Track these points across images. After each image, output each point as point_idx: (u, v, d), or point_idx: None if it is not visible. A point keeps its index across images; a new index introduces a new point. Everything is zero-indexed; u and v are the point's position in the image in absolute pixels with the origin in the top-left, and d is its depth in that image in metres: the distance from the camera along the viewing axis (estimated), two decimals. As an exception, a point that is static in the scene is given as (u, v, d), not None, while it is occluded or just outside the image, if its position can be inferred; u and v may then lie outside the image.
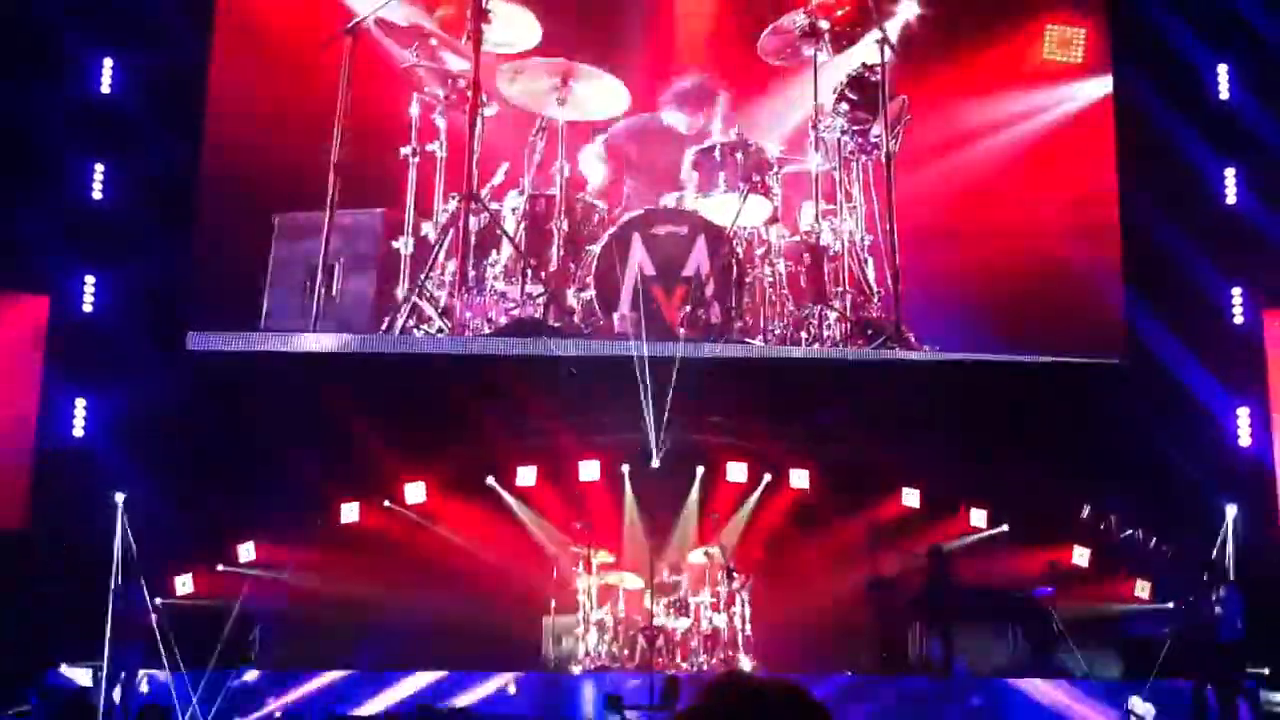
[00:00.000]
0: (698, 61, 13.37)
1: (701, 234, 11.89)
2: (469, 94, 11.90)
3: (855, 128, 12.50)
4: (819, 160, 12.36)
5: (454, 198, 11.92)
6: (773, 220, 12.46)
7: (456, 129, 12.10)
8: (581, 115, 12.69)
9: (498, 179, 12.24)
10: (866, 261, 12.44)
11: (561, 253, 12.02)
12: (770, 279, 12.16)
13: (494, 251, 12.12)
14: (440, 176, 12.22)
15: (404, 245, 12.04)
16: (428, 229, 12.13)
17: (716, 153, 12.36)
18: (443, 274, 11.98)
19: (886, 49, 12.10)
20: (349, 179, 11.69)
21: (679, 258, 11.87)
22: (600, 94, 12.61)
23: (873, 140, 12.43)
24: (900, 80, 12.39)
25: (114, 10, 12.39)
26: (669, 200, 12.57)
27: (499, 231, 12.05)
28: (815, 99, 12.40)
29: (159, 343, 11.82)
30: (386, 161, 12.19)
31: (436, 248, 11.89)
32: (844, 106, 12.46)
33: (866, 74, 12.39)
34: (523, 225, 12.11)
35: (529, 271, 11.97)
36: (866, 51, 12.38)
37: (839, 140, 12.56)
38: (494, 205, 12.15)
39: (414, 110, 12.17)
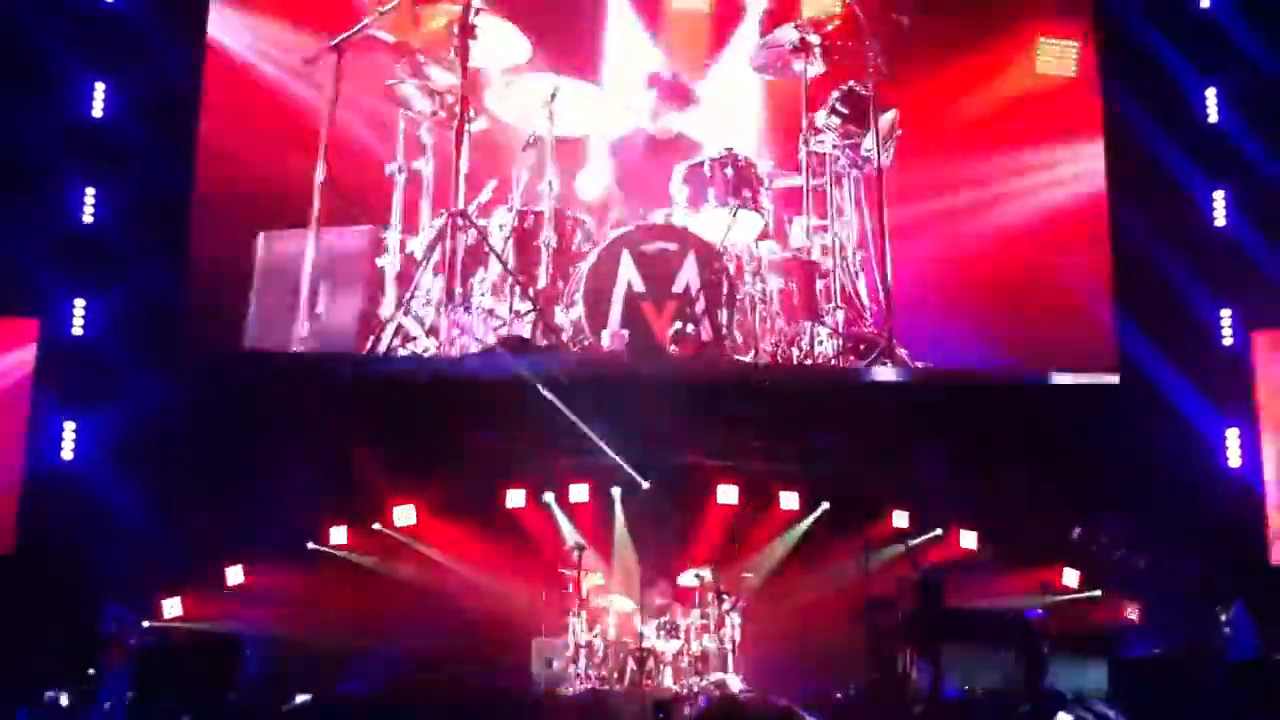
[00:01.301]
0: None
1: (691, 250, 11.76)
2: (456, 109, 11.76)
3: (846, 142, 12.44)
4: (809, 175, 12.22)
5: (441, 214, 11.77)
6: (763, 236, 12.38)
7: (443, 145, 12.00)
8: (571, 130, 12.54)
9: (485, 195, 12.10)
10: (858, 276, 12.41)
11: (550, 270, 11.86)
12: (761, 295, 12.07)
13: (481, 269, 11.97)
14: (427, 193, 12.12)
15: (390, 263, 11.95)
16: (415, 247, 12.00)
17: (706, 168, 12.28)
18: (429, 292, 11.81)
19: (876, 62, 12.08)
20: (335, 196, 11.59)
21: (669, 274, 11.74)
22: (590, 108, 12.52)
23: (864, 154, 12.37)
24: (891, 94, 12.43)
25: (107, 34, 12.41)
26: (658, 216, 12.44)
27: (486, 248, 11.89)
28: (804, 113, 12.31)
29: (149, 365, 11.80)
30: (373, 178, 12.09)
31: (423, 265, 11.76)
32: (835, 120, 12.44)
33: (858, 87, 12.38)
34: (510, 242, 11.95)
35: (517, 289, 11.83)
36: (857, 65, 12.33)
37: (829, 154, 12.50)
38: (481, 222, 11.98)
39: (401, 126, 12.12)
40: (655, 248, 11.81)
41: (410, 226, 12.10)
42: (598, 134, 12.96)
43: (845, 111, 12.41)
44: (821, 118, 12.46)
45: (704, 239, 11.94)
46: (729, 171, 12.19)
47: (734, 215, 12.00)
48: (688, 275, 11.73)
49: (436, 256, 11.74)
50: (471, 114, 11.90)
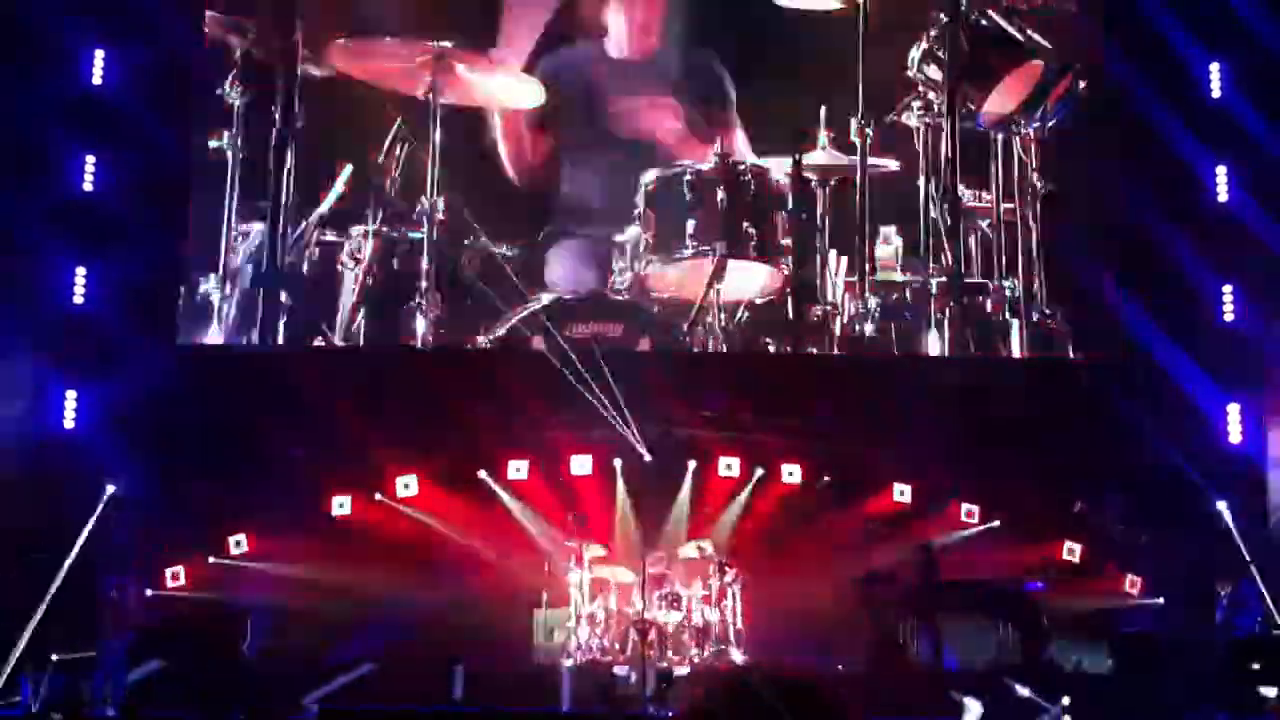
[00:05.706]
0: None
1: (648, 337, 8.53)
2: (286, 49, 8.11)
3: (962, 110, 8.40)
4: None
5: (258, 220, 8.36)
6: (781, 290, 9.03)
7: (263, 107, 8.84)
8: (470, 100, 8.98)
9: (336, 191, 8.96)
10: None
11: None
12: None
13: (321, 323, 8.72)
14: (232, 187, 9.17)
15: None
16: (206, 284, 9.18)
17: (683, 185, 8.43)
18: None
19: None
20: None
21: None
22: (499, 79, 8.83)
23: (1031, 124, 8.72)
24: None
25: (107, 2, 12.35)
26: (587, 279, 8.61)
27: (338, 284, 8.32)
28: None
29: (150, 335, 11.78)
30: None
31: (223, 308, 8.71)
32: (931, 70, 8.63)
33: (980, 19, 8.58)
34: (369, 279, 8.57)
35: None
36: None
37: (920, 130, 9.04)
38: (329, 236, 8.87)
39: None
40: (590, 332, 8.49)
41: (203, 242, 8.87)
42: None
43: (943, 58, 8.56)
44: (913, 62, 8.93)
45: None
46: (718, 193, 8.17)
47: (714, 280, 8.31)
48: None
49: (239, 295, 8.57)
50: (306, 52, 8.33)
